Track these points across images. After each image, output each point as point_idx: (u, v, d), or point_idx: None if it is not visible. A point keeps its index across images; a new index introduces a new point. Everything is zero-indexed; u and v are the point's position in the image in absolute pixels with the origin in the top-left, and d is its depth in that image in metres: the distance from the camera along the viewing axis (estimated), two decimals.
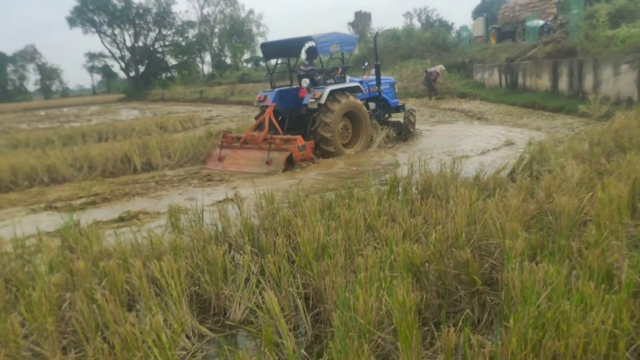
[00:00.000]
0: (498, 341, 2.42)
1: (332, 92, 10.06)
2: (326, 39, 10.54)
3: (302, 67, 11.24)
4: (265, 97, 10.81)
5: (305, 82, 10.61)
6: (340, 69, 11.27)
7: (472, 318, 3.40)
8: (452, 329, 2.50)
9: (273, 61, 11.89)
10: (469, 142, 10.75)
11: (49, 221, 6.71)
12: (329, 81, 10.90)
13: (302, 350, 3.19)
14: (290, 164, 9.48)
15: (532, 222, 4.36)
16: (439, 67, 22.43)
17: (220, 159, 10.19)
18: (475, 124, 14.12)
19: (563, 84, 15.57)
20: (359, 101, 10.75)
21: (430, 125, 14.17)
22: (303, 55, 11.83)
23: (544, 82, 16.71)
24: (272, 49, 11.59)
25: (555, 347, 2.40)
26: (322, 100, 9.89)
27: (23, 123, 28.51)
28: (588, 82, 14.17)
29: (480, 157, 9.00)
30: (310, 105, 10.06)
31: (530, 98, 16.58)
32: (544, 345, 2.37)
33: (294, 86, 11.50)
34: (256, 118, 11.00)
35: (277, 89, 10.95)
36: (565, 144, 7.39)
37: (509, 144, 10.05)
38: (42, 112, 40.14)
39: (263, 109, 10.68)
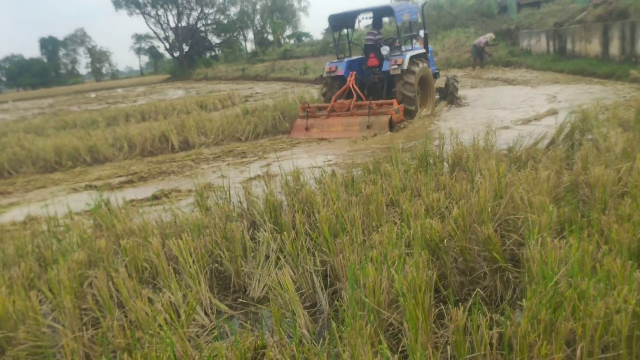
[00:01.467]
0: (507, 322, 2.30)
1: (411, 57, 10.58)
2: (400, 8, 11.07)
3: (370, 37, 11.46)
4: (336, 67, 11.06)
5: (386, 49, 10.81)
6: (419, 37, 11.82)
7: (494, 296, 3.28)
8: (461, 308, 2.39)
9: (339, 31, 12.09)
10: (509, 112, 10.35)
11: (88, 200, 6.91)
12: (402, 48, 11.18)
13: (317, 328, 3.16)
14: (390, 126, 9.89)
15: (565, 195, 4.15)
16: (489, 36, 21.61)
17: (307, 129, 10.46)
18: (518, 92, 13.56)
19: (614, 48, 14.72)
20: (428, 67, 11.25)
21: (472, 94, 13.71)
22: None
23: (594, 47, 15.86)
24: (341, 20, 11.82)
25: (571, 328, 2.26)
26: (405, 66, 10.29)
27: (73, 105, 29.49)
28: None
29: (521, 127, 8.63)
30: (392, 71, 10.33)
31: (579, 64, 15.80)
32: (558, 327, 2.23)
33: (358, 56, 11.75)
34: (324, 90, 11.44)
35: (346, 59, 11.25)
36: (610, 111, 6.98)
37: (553, 112, 9.61)
38: (93, 94, 41.39)
39: (334, 79, 11.09)
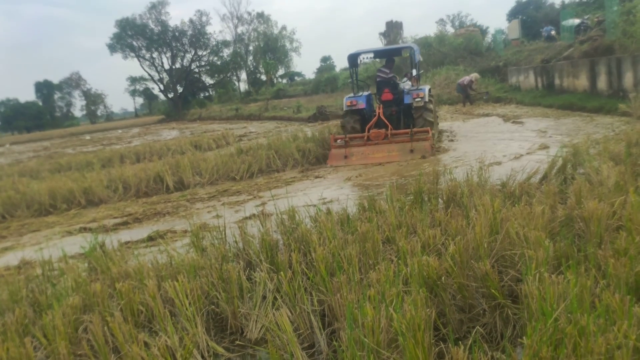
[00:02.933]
0: None
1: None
2: (416, 48, 12.84)
3: (381, 74, 12.55)
4: (357, 102, 12.02)
5: (408, 84, 12.34)
6: (415, 75, 12.78)
7: (494, 333, 3.25)
8: (462, 346, 2.37)
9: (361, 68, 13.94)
10: (501, 147, 10.47)
11: (83, 243, 6.86)
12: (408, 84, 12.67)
13: None
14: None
15: (560, 230, 4.16)
16: (473, 76, 22.09)
17: (346, 157, 11.25)
18: (509, 128, 13.73)
19: (602, 83, 15.03)
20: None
21: (461, 131, 13.88)
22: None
23: (582, 82, 16.18)
24: (358, 58, 13.06)
25: None
26: (427, 98, 11.64)
27: (69, 148, 29.58)
28: (628, 80, 13.62)
29: (512, 162, 8.71)
30: (415, 103, 11.57)
31: (568, 99, 16.07)
32: None
33: (366, 93, 12.74)
34: (343, 122, 12.37)
35: (364, 94, 12.36)
36: (601, 145, 7.07)
37: (544, 147, 9.72)
38: (87, 137, 41.57)
39: (354, 112, 12.04)
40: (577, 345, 2.32)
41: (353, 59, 12.80)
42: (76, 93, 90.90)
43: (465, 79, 21.80)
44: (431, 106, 11.82)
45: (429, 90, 12.50)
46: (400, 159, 10.69)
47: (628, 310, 2.46)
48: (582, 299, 2.70)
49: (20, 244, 7.66)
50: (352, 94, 12.45)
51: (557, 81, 18.12)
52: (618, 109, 12.44)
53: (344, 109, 12.27)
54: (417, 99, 11.54)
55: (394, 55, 13.54)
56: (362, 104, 11.93)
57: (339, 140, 11.63)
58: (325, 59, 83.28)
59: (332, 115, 23.70)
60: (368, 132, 11.45)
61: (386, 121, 11.60)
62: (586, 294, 2.74)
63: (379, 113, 11.72)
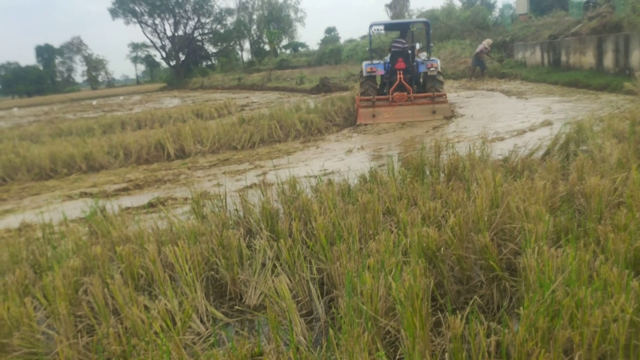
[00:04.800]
0: (505, 330, 2.29)
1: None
2: (429, 22, 14.50)
3: (397, 45, 13.45)
4: (376, 69, 13.22)
5: (424, 55, 13.59)
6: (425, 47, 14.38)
7: (491, 305, 3.28)
8: (459, 316, 2.39)
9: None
10: (505, 123, 10.41)
11: (84, 207, 6.87)
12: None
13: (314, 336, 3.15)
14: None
15: (561, 205, 4.16)
16: (486, 42, 21.80)
17: (374, 116, 12.50)
18: (513, 104, 13.65)
19: (608, 60, 14.85)
20: None
21: (468, 106, 13.80)
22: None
23: (588, 59, 15.99)
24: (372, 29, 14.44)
25: (568, 336, 2.26)
26: (439, 68, 13.14)
27: (69, 113, 29.42)
28: (635, 58, 13.46)
29: (515, 138, 8.68)
30: (430, 72, 12.94)
31: (574, 76, 15.92)
32: (555, 335, 2.23)
33: (381, 61, 13.95)
34: (363, 88, 13.34)
35: (380, 62, 13.56)
36: (605, 122, 7.02)
37: (547, 124, 9.66)
38: (94, 102, 41.25)
39: (371, 78, 13.31)
40: (574, 317, 2.33)
41: (371, 28, 14.10)
42: (77, 58, 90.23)
43: (481, 49, 21.56)
44: (441, 77, 13.19)
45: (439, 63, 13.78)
46: (423, 119, 12.12)
47: (626, 284, 2.47)
48: (580, 272, 2.71)
49: (20, 207, 7.69)
50: (369, 62, 13.53)
51: (563, 58, 17.92)
52: (623, 87, 12.33)
53: (364, 74, 13.31)
54: (431, 69, 12.89)
55: (408, 27, 14.87)
56: (380, 71, 13.25)
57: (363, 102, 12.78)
58: (329, 30, 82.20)
59: (335, 87, 23.51)
60: (392, 94, 12.58)
61: (407, 85, 12.77)
62: (584, 268, 2.75)
63: (400, 78, 12.76)
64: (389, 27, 15.90)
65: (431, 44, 15.21)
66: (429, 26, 14.17)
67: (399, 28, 15.19)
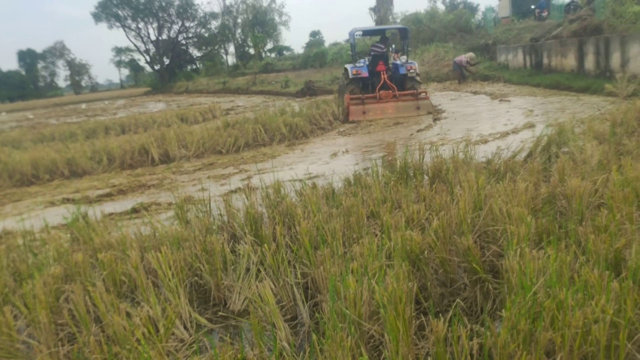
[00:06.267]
0: (487, 332, 2.30)
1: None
2: (408, 29, 15.95)
3: (376, 49, 14.83)
4: (361, 71, 14.14)
5: (404, 58, 14.60)
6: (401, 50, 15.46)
7: (475, 307, 3.29)
8: (442, 319, 2.39)
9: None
10: (488, 125, 10.50)
11: (66, 213, 6.79)
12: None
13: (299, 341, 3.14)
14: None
15: (543, 207, 4.20)
16: (468, 55, 22.07)
17: (364, 112, 13.42)
18: (495, 107, 13.78)
19: (589, 63, 15.06)
20: None
21: (451, 108, 13.91)
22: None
23: (570, 61, 16.20)
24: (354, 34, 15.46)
25: (550, 338, 2.27)
26: (418, 70, 14.56)
27: (52, 118, 29.08)
28: (615, 60, 13.66)
29: (498, 141, 8.75)
30: (409, 74, 14.20)
31: (555, 78, 16.11)
32: (537, 337, 2.24)
33: (361, 64, 14.66)
34: (351, 89, 14.26)
35: (365, 65, 14.35)
36: (586, 124, 7.11)
37: (530, 126, 9.76)
38: (84, 105, 40.78)
39: (358, 80, 14.28)
40: (555, 319, 2.35)
41: (352, 34, 15.14)
42: (60, 63, 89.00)
43: (462, 59, 21.79)
44: (418, 78, 14.60)
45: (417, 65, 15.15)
46: (409, 115, 13.19)
47: (606, 285, 2.50)
48: (562, 274, 2.74)
49: (1, 214, 7.57)
50: (353, 65, 14.48)
51: (545, 60, 18.13)
52: (604, 89, 12.51)
53: (350, 76, 14.27)
54: (410, 71, 14.22)
55: (385, 33, 16.02)
56: (365, 73, 14.13)
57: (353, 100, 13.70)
58: (314, 34, 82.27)
59: (320, 91, 23.53)
60: (378, 92, 13.66)
61: (391, 84, 13.89)
62: (565, 269, 2.77)
63: (384, 78, 13.95)
64: (367, 32, 17.31)
65: (409, 48, 16.92)
66: (407, 32, 15.59)
67: (379, 33, 16.39)
